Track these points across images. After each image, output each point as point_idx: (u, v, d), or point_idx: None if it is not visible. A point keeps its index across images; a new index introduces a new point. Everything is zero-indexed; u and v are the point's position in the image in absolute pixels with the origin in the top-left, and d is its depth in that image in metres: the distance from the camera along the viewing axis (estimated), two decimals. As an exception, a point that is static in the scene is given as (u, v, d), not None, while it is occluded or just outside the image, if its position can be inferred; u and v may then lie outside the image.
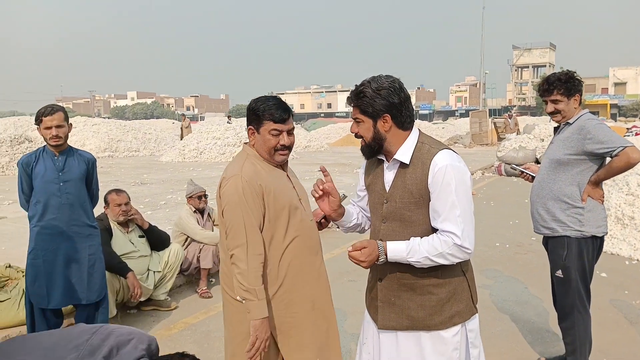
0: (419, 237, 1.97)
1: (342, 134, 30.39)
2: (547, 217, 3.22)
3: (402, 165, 2.02)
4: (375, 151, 2.06)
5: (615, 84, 70.87)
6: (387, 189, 2.06)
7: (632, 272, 5.55)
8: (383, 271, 2.07)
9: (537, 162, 3.68)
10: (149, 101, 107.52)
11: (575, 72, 3.17)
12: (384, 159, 2.09)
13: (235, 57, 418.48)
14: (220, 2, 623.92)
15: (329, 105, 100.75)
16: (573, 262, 3.14)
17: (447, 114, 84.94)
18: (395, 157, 2.02)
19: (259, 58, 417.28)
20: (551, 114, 3.21)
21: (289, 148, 2.28)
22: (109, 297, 4.06)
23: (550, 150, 3.27)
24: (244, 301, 2.12)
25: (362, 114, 2.01)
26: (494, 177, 13.98)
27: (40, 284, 3.37)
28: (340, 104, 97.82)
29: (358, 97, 2.00)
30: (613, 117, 53.09)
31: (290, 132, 2.27)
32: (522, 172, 3.50)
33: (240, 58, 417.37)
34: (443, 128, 33.19)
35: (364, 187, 2.25)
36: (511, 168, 3.66)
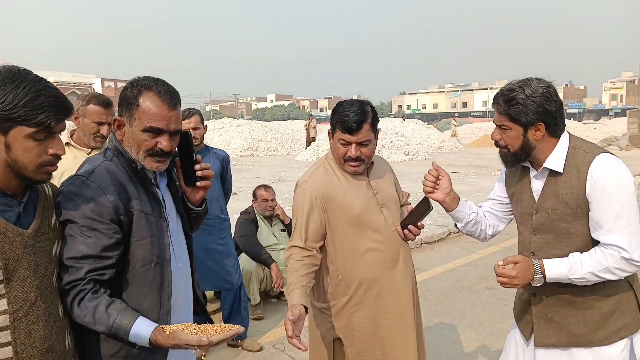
0: (578, 252, 1.81)
1: (479, 135, 29.12)
2: None
3: (553, 173, 1.86)
4: (520, 160, 1.91)
5: None
6: (536, 198, 1.92)
7: None
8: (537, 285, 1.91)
9: None
10: (286, 103, 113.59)
11: None
12: (529, 166, 1.94)
13: (367, 57, 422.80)
14: (350, 5, 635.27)
15: (464, 105, 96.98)
16: None
17: (600, 113, 76.96)
18: (545, 165, 1.86)
19: (390, 57, 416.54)
20: None
21: (361, 160, 2.14)
22: (254, 285, 4.38)
23: None
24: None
25: (512, 122, 1.83)
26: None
27: None
28: (477, 102, 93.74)
29: (508, 104, 1.82)
30: None
31: (362, 144, 2.11)
32: None
33: (372, 58, 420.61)
34: (595, 128, 30.16)
35: (504, 196, 2.11)
36: None
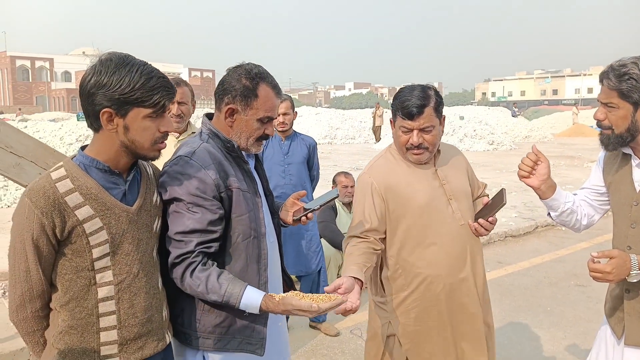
0: None
1: (570, 124, 27.31)
2: None
3: None
4: (625, 143, 1.78)
5: None
6: (638, 188, 1.79)
7: None
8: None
9: None
10: (364, 91, 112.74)
11: None
12: (632, 153, 1.81)
13: (449, 42, 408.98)
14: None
15: (555, 92, 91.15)
16: None
17: None
18: None
19: (475, 42, 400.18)
20: None
21: (424, 147, 2.01)
22: (332, 271, 4.44)
23: None
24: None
25: (621, 98, 1.72)
26: None
27: None
28: (569, 90, 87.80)
29: (620, 78, 1.70)
30: None
31: (425, 130, 1.97)
32: None
33: (453, 43, 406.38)
34: None
35: (601, 185, 1.98)
36: None
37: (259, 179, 1.88)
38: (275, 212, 1.95)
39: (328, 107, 39.09)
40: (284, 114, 3.70)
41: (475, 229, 2.08)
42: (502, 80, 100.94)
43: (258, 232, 1.74)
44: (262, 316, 1.72)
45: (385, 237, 2.09)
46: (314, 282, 3.92)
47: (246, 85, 1.70)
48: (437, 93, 2.03)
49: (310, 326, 3.98)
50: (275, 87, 1.76)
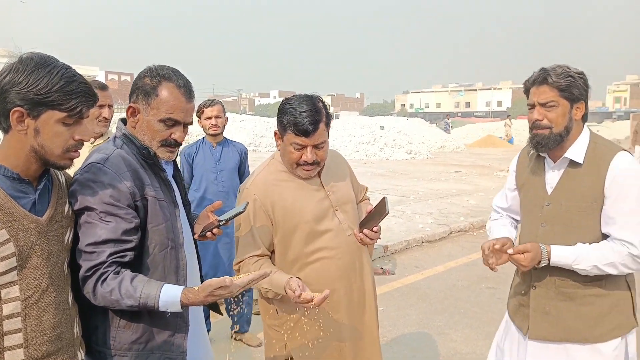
0: (587, 243, 1.85)
1: (481, 135, 29.05)
2: None
3: (573, 164, 1.89)
4: (562, 141, 1.87)
5: None
6: (549, 190, 1.94)
7: None
8: (538, 277, 1.96)
9: None
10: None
11: None
12: (546, 156, 1.96)
13: (372, 56, 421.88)
14: (354, 2, 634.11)
15: (467, 104, 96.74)
16: None
17: (603, 116, 76.65)
18: (566, 155, 1.89)
19: (395, 56, 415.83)
20: None
21: (316, 163, 1.94)
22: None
23: None
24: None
25: (561, 96, 1.83)
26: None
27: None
28: (480, 103, 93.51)
29: (560, 76, 1.83)
30: None
31: (318, 147, 1.90)
32: None
33: (376, 56, 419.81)
34: (598, 131, 29.74)
35: (515, 187, 2.14)
36: None
37: (177, 188, 1.82)
38: (191, 223, 1.89)
39: (253, 115, 38.85)
40: (217, 117, 3.66)
41: (360, 239, 2.04)
42: (419, 92, 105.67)
43: (176, 242, 1.68)
44: (181, 329, 1.67)
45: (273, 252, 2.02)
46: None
47: (147, 83, 1.63)
48: (324, 105, 1.96)
49: (233, 337, 3.91)
50: (182, 88, 1.64)
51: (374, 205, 2.09)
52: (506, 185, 2.21)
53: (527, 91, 1.93)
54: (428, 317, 4.41)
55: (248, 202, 1.88)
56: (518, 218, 2.20)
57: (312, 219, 1.96)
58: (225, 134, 3.84)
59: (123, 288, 1.49)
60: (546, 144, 1.88)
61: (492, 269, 1.90)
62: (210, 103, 3.70)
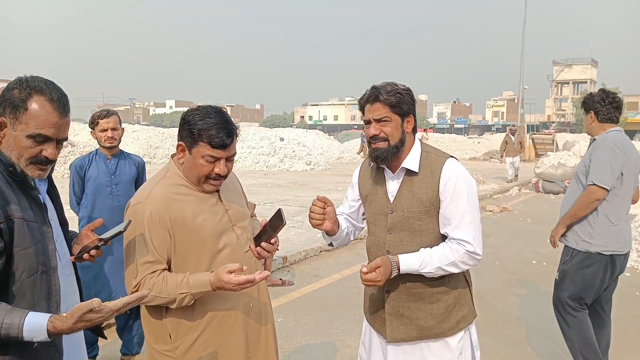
0: (429, 247, 2.00)
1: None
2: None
3: (410, 173, 2.04)
4: (398, 152, 2.01)
5: (660, 102, 68.31)
6: (392, 199, 2.07)
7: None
8: (391, 283, 2.06)
9: None
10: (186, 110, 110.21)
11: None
12: (385, 167, 2.10)
13: (272, 68, 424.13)
14: (252, 14, 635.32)
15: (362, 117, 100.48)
16: (571, 270, 3.27)
17: (483, 129, 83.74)
18: (403, 165, 2.04)
19: (294, 69, 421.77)
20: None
21: (225, 176, 1.89)
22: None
23: (578, 164, 3.41)
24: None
25: (393, 112, 1.97)
26: (531, 193, 13.67)
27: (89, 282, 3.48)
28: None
29: (390, 93, 1.95)
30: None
31: (229, 159, 1.86)
32: (565, 188, 3.60)
33: (276, 69, 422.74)
34: (479, 143, 32.72)
35: (359, 198, 2.24)
36: (554, 183, 3.83)
37: (51, 206, 1.69)
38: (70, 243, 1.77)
39: (147, 125, 37.12)
40: (113, 129, 3.45)
41: (258, 253, 2.00)
42: (318, 105, 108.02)
43: (47, 266, 1.55)
44: (54, 358, 1.55)
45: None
46: (131, 310, 3.66)
47: (16, 96, 1.50)
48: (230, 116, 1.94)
49: (122, 360, 3.70)
50: (56, 102, 1.53)
51: (268, 219, 2.06)
52: (348, 197, 2.30)
53: (362, 108, 2.07)
54: (325, 325, 4.49)
55: (131, 220, 1.76)
56: (356, 224, 2.31)
57: (213, 234, 1.88)
58: (119, 146, 3.63)
59: None
60: (385, 157, 2.00)
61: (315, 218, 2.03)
62: (106, 114, 3.48)
